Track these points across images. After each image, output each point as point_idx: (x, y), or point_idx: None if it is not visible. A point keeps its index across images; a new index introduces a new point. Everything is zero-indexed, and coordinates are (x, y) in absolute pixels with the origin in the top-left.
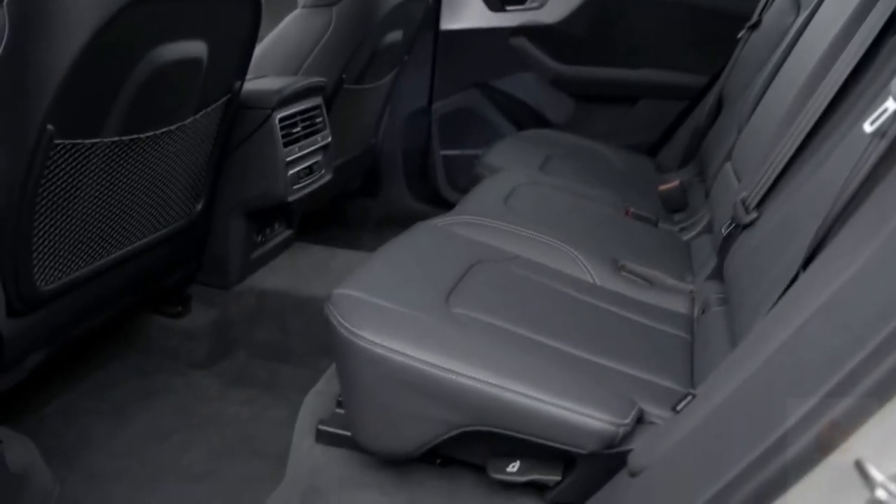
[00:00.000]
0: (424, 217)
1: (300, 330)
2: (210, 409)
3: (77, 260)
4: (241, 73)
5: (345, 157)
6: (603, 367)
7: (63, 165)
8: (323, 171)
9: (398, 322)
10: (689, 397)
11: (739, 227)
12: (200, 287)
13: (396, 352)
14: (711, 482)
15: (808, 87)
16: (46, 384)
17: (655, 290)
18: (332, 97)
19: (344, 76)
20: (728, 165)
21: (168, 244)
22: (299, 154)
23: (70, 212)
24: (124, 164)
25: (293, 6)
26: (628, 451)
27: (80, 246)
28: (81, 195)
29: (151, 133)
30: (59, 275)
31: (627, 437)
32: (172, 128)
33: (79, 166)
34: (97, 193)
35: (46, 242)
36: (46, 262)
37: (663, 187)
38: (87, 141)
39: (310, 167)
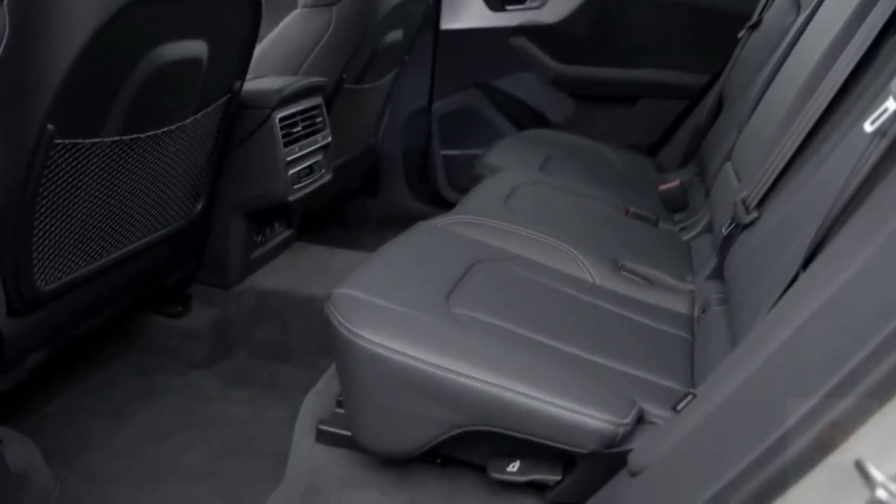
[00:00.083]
0: (424, 217)
1: (300, 330)
2: (210, 409)
3: (77, 260)
4: (242, 73)
5: (345, 156)
6: (603, 367)
7: (63, 165)
8: (323, 170)
9: (398, 322)
10: (690, 397)
11: (739, 227)
12: (200, 287)
13: (396, 351)
14: (711, 482)
15: (808, 87)
16: (46, 384)
17: (655, 289)
18: (332, 97)
19: (344, 76)
20: (728, 165)
21: (168, 244)
22: (299, 154)
23: (70, 212)
24: (124, 164)
25: (293, 6)
26: (628, 451)
27: (80, 246)
28: (81, 195)
29: (151, 133)
30: (60, 274)
31: (628, 436)
32: (173, 127)
33: (79, 166)
34: (97, 193)
35: (46, 242)
36: (46, 262)
37: (663, 187)
38: (87, 141)
39: (310, 167)
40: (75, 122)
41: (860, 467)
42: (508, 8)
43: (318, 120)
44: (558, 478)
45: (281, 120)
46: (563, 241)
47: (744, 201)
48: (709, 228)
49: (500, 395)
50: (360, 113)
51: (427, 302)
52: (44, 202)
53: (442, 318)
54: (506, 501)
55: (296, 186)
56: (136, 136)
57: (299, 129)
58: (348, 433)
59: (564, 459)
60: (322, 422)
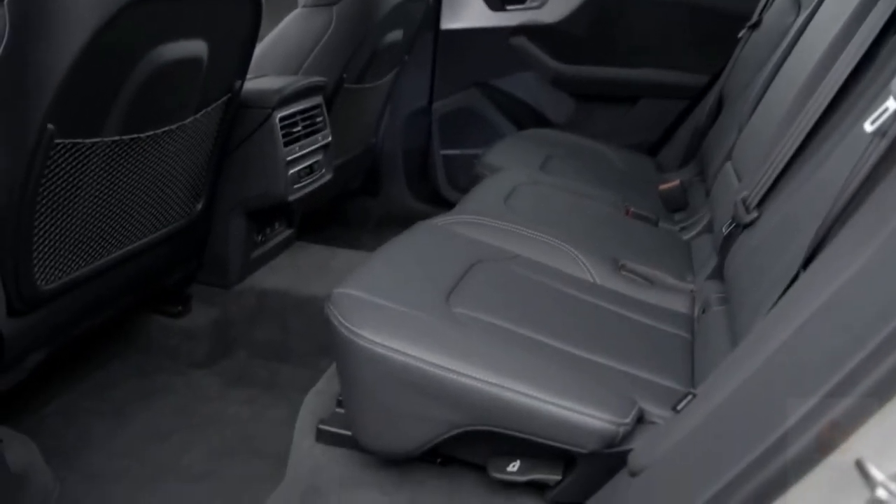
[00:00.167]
0: (425, 216)
1: (300, 329)
2: (210, 409)
3: (77, 259)
4: (242, 73)
5: (345, 156)
6: (603, 367)
7: (63, 165)
8: (323, 170)
9: (398, 321)
10: (690, 397)
11: (740, 227)
12: (201, 286)
13: (397, 351)
14: (712, 482)
15: (808, 87)
16: (46, 384)
17: (656, 289)
18: (332, 96)
19: (344, 75)
20: (728, 165)
21: (168, 244)
22: (300, 153)
23: (70, 211)
24: (124, 164)
25: (293, 6)
26: (629, 451)
27: (80, 245)
28: (82, 195)
29: (152, 132)
30: (60, 274)
31: (628, 436)
32: (173, 127)
33: (79, 166)
34: (97, 193)
35: (47, 242)
36: (47, 262)
37: (664, 187)
38: (87, 140)
39: (310, 166)
40: (75, 122)
41: (860, 467)
42: (508, 8)
43: (319, 120)
44: (558, 477)
45: (281, 119)
46: (563, 241)
47: (744, 201)
48: (709, 228)
49: (500, 395)
50: (360, 113)
51: (427, 301)
52: (44, 202)
53: (442, 318)
54: (506, 501)
55: (296, 186)
56: (136, 135)
57: (299, 128)
58: (348, 433)
59: (565, 459)
60: (322, 421)
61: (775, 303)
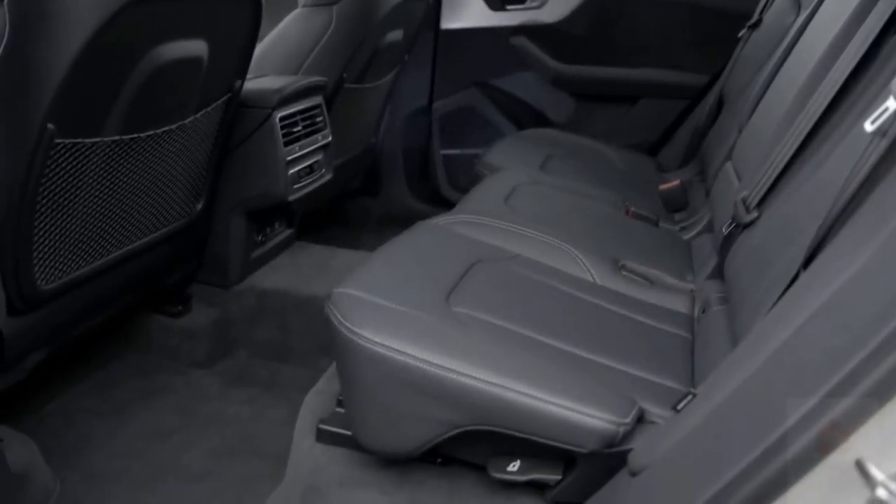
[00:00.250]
0: (425, 216)
1: (300, 329)
2: (210, 409)
3: (77, 259)
4: (242, 73)
5: (345, 156)
6: (603, 367)
7: (63, 165)
8: (323, 170)
9: (399, 321)
10: (690, 396)
11: (740, 227)
12: (201, 286)
13: (397, 351)
14: (712, 481)
15: (808, 87)
16: (47, 383)
17: (656, 289)
18: (332, 96)
19: (344, 75)
20: (728, 165)
21: (168, 243)
22: (300, 153)
23: (70, 211)
24: (125, 164)
25: (293, 5)
26: (629, 451)
27: (80, 245)
28: (82, 194)
29: (152, 132)
30: (60, 274)
31: (628, 436)
32: (173, 127)
33: (79, 165)
34: (97, 193)
35: (47, 241)
36: (47, 262)
37: (664, 187)
38: (87, 140)
39: (310, 166)
40: (75, 122)
41: (860, 467)
42: (509, 7)
43: (319, 119)
44: (558, 477)
45: (281, 119)
46: (563, 241)
47: (744, 201)
48: (709, 228)
49: (500, 395)
50: (360, 112)
51: (427, 301)
52: (44, 202)
53: (442, 318)
54: (506, 501)
55: (296, 186)
56: (136, 135)
57: (299, 128)
58: (348, 432)
59: (565, 459)
60: (322, 421)
61: (775, 303)
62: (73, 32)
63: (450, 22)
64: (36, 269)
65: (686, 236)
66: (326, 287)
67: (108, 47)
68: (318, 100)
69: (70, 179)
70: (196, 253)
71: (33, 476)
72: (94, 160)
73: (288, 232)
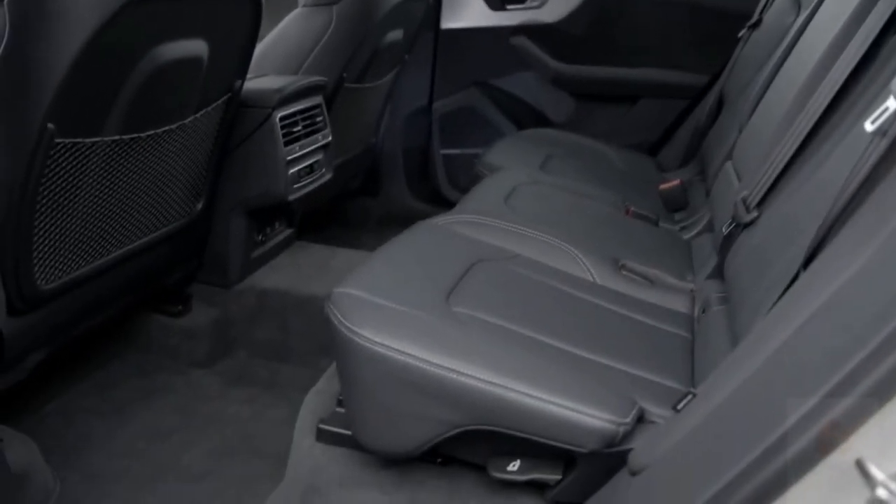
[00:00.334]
0: (425, 216)
1: (301, 329)
2: (210, 409)
3: (77, 259)
4: (242, 72)
5: (345, 156)
6: (603, 366)
7: (63, 164)
8: (323, 170)
9: (399, 321)
10: (690, 396)
11: (740, 227)
12: (201, 286)
13: (397, 350)
14: (712, 481)
15: (808, 87)
16: (47, 383)
17: (656, 289)
18: (332, 96)
19: (344, 75)
20: (729, 164)
21: (168, 243)
22: (300, 153)
23: (70, 211)
24: (125, 163)
25: (293, 5)
26: (629, 451)
27: (80, 245)
28: (82, 194)
29: (152, 132)
30: (60, 274)
31: (628, 436)
32: (173, 127)
33: (79, 165)
34: (97, 192)
35: (47, 241)
36: (47, 261)
37: (664, 186)
38: (87, 140)
39: (310, 166)
40: (75, 122)
41: (861, 466)
42: (509, 7)
43: (319, 119)
44: (559, 477)
45: (281, 119)
46: (563, 241)
47: (744, 201)
48: (709, 228)
49: (500, 395)
50: (360, 112)
51: (427, 301)
52: (44, 201)
53: (442, 318)
54: (506, 501)
55: (296, 186)
56: (136, 135)
57: (299, 128)
58: (349, 432)
59: (565, 459)
60: (322, 421)
61: (775, 302)
62: (73, 32)
63: (450, 22)
64: (36, 268)
65: (686, 236)
66: (326, 287)
67: (108, 47)
68: (318, 99)
69: (70, 179)
70: (196, 253)
71: (33, 476)
72: (94, 160)
73: (288, 232)
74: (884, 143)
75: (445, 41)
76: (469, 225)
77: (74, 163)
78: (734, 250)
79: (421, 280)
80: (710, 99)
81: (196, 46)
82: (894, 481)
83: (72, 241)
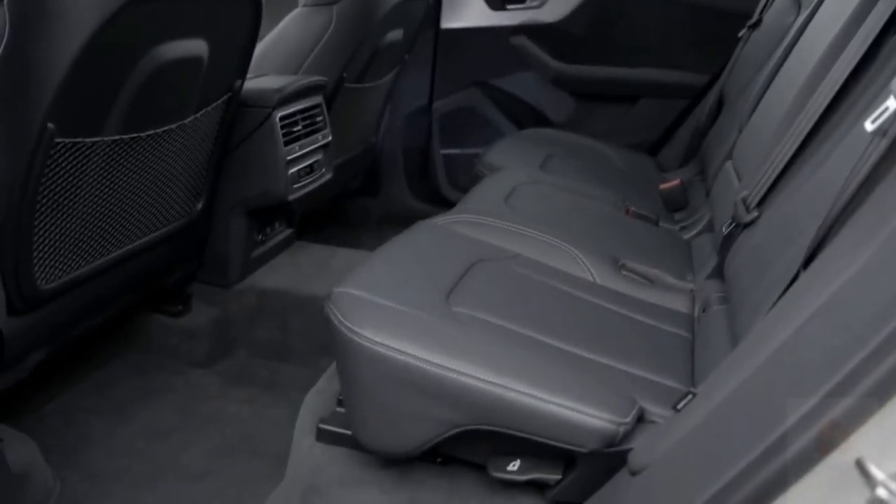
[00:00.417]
0: (425, 216)
1: (301, 329)
2: (210, 408)
3: (77, 259)
4: (242, 72)
5: (345, 156)
6: (603, 366)
7: (64, 164)
8: (323, 169)
9: (399, 321)
10: (690, 396)
11: (740, 226)
12: (201, 286)
13: (397, 350)
14: (712, 481)
15: (808, 87)
16: (47, 383)
17: (656, 288)
18: (332, 96)
19: (344, 75)
20: (729, 164)
21: (168, 243)
22: (300, 153)
23: (70, 210)
24: (125, 163)
25: (293, 5)
26: (629, 450)
27: (80, 245)
28: (82, 194)
29: (152, 132)
30: (60, 273)
31: (628, 435)
32: (173, 126)
33: (79, 165)
34: (98, 192)
35: (47, 241)
36: (47, 261)
37: (664, 186)
38: (87, 140)
39: (310, 166)
40: (76, 121)
41: (861, 466)
42: (509, 7)
43: (319, 119)
44: (559, 477)
45: (281, 119)
46: (563, 241)
47: (744, 200)
48: (709, 228)
49: (500, 394)
50: (360, 112)
51: (427, 301)
52: (44, 201)
53: (442, 317)
54: (506, 500)
55: (296, 185)
56: (136, 135)
57: (300, 128)
58: (348, 432)
59: (565, 458)
60: (322, 420)
61: (775, 302)
62: (73, 32)
63: (450, 21)
64: (36, 268)
65: (686, 236)
66: (326, 287)
67: (109, 47)
68: (318, 99)
69: (70, 179)
70: (196, 252)
71: (33, 476)
72: (95, 160)
73: (288, 231)
74: (884, 143)
75: (445, 41)
76: (469, 225)
77: (74, 163)
78: (734, 250)
79: (421, 280)
80: (710, 99)
81: (196, 46)
82: (894, 481)
83: (72, 240)
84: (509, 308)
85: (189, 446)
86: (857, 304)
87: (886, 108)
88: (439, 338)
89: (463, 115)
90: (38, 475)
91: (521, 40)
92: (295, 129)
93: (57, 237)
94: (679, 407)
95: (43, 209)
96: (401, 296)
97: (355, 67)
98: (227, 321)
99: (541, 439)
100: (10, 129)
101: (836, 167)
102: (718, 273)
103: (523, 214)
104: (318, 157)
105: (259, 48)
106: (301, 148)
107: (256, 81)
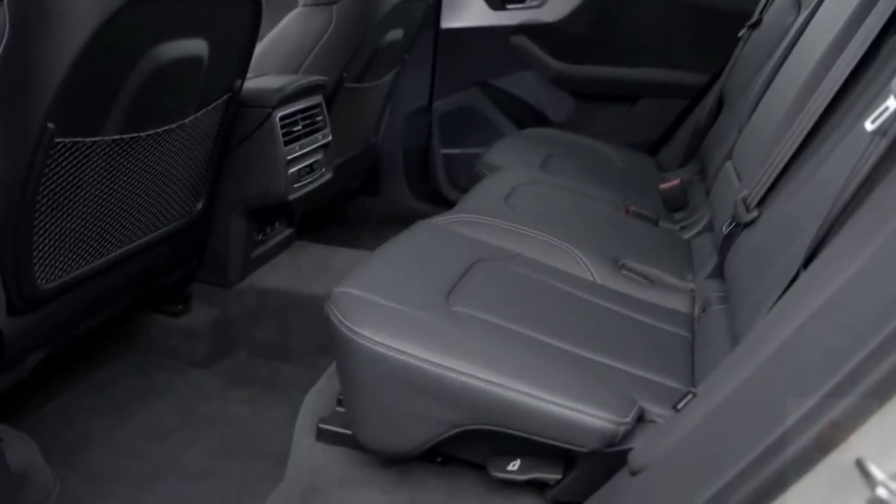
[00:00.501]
0: (425, 216)
1: (301, 328)
2: (210, 408)
3: (77, 258)
4: (242, 72)
5: (345, 155)
6: (604, 366)
7: (64, 164)
8: (323, 169)
9: (399, 320)
10: (690, 396)
11: (740, 226)
12: (201, 286)
13: (397, 350)
14: (712, 481)
15: (808, 86)
16: (47, 383)
17: (656, 288)
18: (332, 96)
19: (344, 75)
20: (729, 164)
21: (169, 243)
22: (300, 153)
23: (70, 210)
24: (125, 163)
25: (293, 4)
26: (629, 450)
27: (80, 244)
28: (82, 194)
29: (152, 131)
30: (60, 273)
31: (628, 435)
32: (173, 126)
33: (79, 165)
34: (98, 192)
35: (47, 241)
36: (47, 261)
37: (664, 186)
38: (87, 139)
39: (310, 166)
40: (76, 121)
41: (861, 466)
42: (509, 7)
43: (319, 119)
44: (559, 476)
45: (281, 119)
46: (563, 240)
47: (744, 200)
48: (709, 227)
49: (500, 394)
50: (360, 112)
51: (427, 300)
52: (44, 201)
53: (442, 317)
54: (506, 500)
55: (296, 185)
56: (136, 134)
57: (300, 127)
58: (349, 432)
59: (565, 458)
60: (322, 420)
61: (775, 302)
62: (73, 32)
63: (450, 21)
64: (36, 268)
65: (686, 236)
66: (326, 286)
67: (109, 47)
68: (318, 99)
69: (70, 179)
70: (196, 252)
71: (33, 476)
72: (95, 160)
73: (288, 231)
74: (884, 143)
75: (445, 41)
76: (469, 224)
77: (74, 162)
78: (734, 250)
79: (421, 279)
80: (710, 99)
81: (196, 46)
82: (894, 481)
83: (72, 240)
84: (509, 308)
85: (189, 446)
86: (857, 303)
87: (886, 108)
88: (439, 337)
89: (463, 115)
90: (38, 475)
91: (521, 40)
92: (295, 128)
93: (57, 237)
94: (679, 407)
95: (43, 209)
96: (401, 295)
97: (355, 67)
98: (227, 321)
99: (541, 439)
100: (10, 129)
101: (836, 167)
102: (718, 273)
103: (523, 214)
104: (318, 156)
105: (259, 48)
106: (301, 148)
107: (256, 81)
